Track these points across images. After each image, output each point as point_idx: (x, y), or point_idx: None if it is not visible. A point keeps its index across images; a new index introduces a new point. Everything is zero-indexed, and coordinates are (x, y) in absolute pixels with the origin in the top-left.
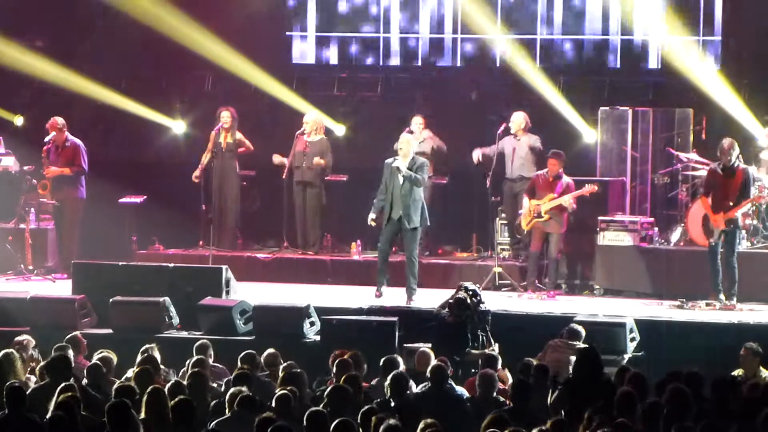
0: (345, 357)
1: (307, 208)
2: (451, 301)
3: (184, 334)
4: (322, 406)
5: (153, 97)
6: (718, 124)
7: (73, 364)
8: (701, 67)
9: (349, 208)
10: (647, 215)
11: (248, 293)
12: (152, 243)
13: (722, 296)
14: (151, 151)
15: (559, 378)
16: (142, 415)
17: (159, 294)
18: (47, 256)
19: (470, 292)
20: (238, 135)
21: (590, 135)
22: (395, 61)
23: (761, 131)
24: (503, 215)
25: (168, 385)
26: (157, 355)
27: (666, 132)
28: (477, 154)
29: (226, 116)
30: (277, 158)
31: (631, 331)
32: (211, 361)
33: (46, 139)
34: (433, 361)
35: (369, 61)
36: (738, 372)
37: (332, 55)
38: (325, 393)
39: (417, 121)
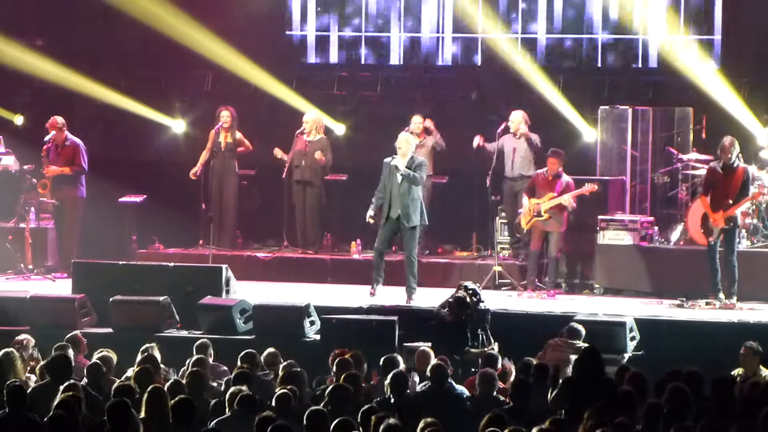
0: (345, 356)
1: (306, 208)
2: (450, 300)
3: (184, 333)
4: (322, 405)
5: (153, 96)
6: (718, 123)
7: (73, 364)
8: (701, 66)
9: (349, 208)
10: (647, 214)
11: (248, 292)
12: (152, 242)
13: (722, 295)
14: (151, 150)
15: (560, 376)
16: (142, 415)
17: (159, 293)
18: (47, 256)
19: (470, 291)
20: (238, 135)
21: (590, 134)
22: (395, 60)
23: (761, 131)
24: (503, 214)
25: (168, 384)
26: (157, 354)
27: (666, 131)
28: (477, 140)
29: (225, 116)
30: (278, 152)
31: (631, 330)
32: (211, 360)
33: (46, 138)
34: (433, 360)
35: (369, 60)
36: (738, 371)
37: (332, 54)
38: (326, 392)
39: (416, 121)
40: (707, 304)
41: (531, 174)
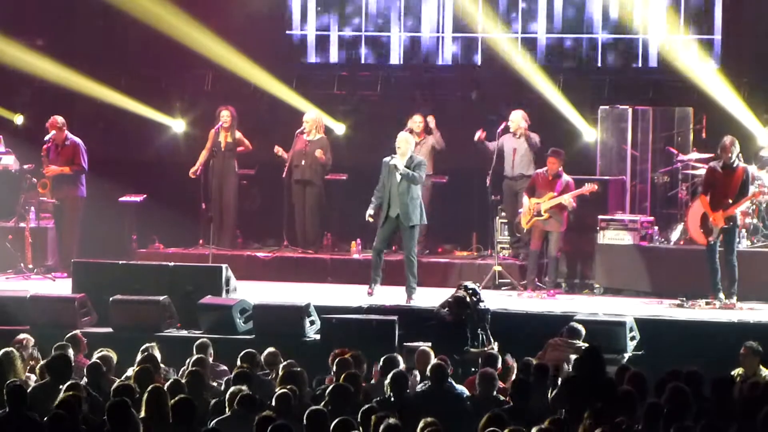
0: (345, 356)
1: (306, 207)
2: (450, 300)
3: (184, 333)
4: (323, 404)
5: (153, 96)
6: (718, 123)
7: (73, 363)
8: (701, 66)
9: (349, 207)
10: (647, 214)
11: (248, 292)
12: (152, 242)
13: (722, 295)
14: (151, 149)
15: (560, 375)
16: (142, 414)
17: (159, 293)
18: (47, 255)
19: (470, 291)
20: (238, 134)
21: (590, 134)
22: (395, 60)
23: (762, 130)
24: (503, 214)
25: (168, 384)
26: (157, 354)
27: (666, 131)
28: (479, 134)
29: (225, 115)
30: (278, 150)
31: (631, 330)
32: (211, 360)
33: (46, 137)
34: (433, 360)
35: (369, 60)
36: (738, 371)
37: (332, 53)
38: (327, 391)
39: (417, 120)
40: (707, 303)
41: (531, 173)
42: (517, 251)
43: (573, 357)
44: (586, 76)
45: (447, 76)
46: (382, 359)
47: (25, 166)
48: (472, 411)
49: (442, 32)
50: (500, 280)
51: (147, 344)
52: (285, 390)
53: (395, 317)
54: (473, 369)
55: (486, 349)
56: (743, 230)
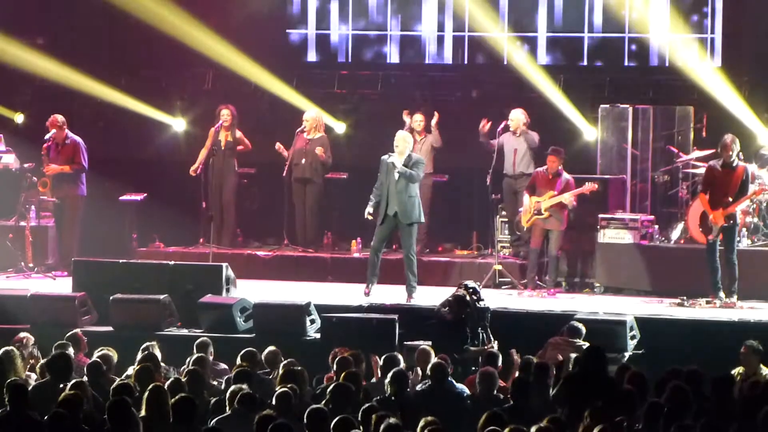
0: (345, 355)
1: (307, 206)
2: (450, 298)
3: (184, 331)
4: (323, 403)
5: (153, 94)
6: (719, 122)
7: (73, 362)
8: (702, 65)
9: (350, 206)
10: (648, 213)
11: (248, 291)
12: (152, 240)
13: (722, 294)
14: (151, 148)
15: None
16: (143, 413)
17: (159, 292)
18: (48, 254)
19: (470, 290)
20: (238, 133)
21: (590, 133)
22: (396, 59)
23: (764, 130)
24: (503, 213)
25: (168, 382)
26: (158, 352)
27: (666, 130)
28: (483, 123)
29: (226, 114)
30: (279, 147)
31: (632, 328)
32: (211, 358)
33: (47, 136)
34: (434, 359)
35: (369, 58)
36: (738, 370)
37: (332, 52)
38: (328, 390)
39: (417, 119)
40: (708, 302)
41: (531, 172)
42: (517, 250)
43: (573, 356)
44: (586, 75)
45: (447, 76)
46: (382, 358)
47: (26, 165)
48: (472, 410)
49: (443, 31)
50: (500, 279)
51: (147, 343)
52: (285, 389)
53: (395, 316)
54: (473, 368)
55: (486, 347)
56: (744, 229)
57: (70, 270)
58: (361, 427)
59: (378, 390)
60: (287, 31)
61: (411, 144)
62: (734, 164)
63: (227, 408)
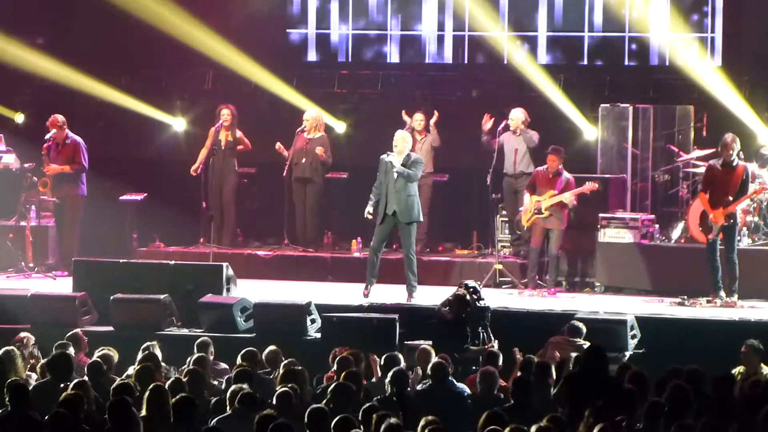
0: (345, 354)
1: (307, 206)
2: (451, 298)
3: (184, 331)
4: (324, 403)
5: (153, 94)
6: (719, 121)
7: (73, 362)
8: (702, 64)
9: (350, 206)
10: (648, 212)
11: (249, 291)
12: (153, 240)
13: (723, 293)
14: (151, 148)
15: (562, 373)
16: (143, 413)
17: (160, 291)
18: (48, 254)
19: (470, 289)
20: (238, 133)
21: (591, 132)
22: (396, 58)
23: (765, 130)
24: (504, 212)
25: (168, 382)
26: (158, 352)
27: (667, 129)
28: (487, 119)
29: (226, 114)
30: (279, 147)
31: (632, 328)
32: (211, 358)
33: (47, 136)
34: (434, 359)
35: (369, 58)
36: (739, 369)
37: (332, 52)
38: (329, 390)
39: (418, 118)
40: (708, 302)
41: (532, 171)
42: (517, 249)
43: (574, 355)
44: (586, 75)
45: (448, 75)
46: (383, 358)
47: (26, 165)
48: (472, 409)
49: (443, 31)
50: (501, 279)
51: (148, 343)
52: (286, 388)
53: (396, 316)
54: (474, 367)
55: (486, 347)
56: (744, 228)
57: (70, 270)
58: (361, 427)
59: (379, 390)
60: (287, 30)
61: (410, 143)
62: (734, 163)
63: (228, 408)
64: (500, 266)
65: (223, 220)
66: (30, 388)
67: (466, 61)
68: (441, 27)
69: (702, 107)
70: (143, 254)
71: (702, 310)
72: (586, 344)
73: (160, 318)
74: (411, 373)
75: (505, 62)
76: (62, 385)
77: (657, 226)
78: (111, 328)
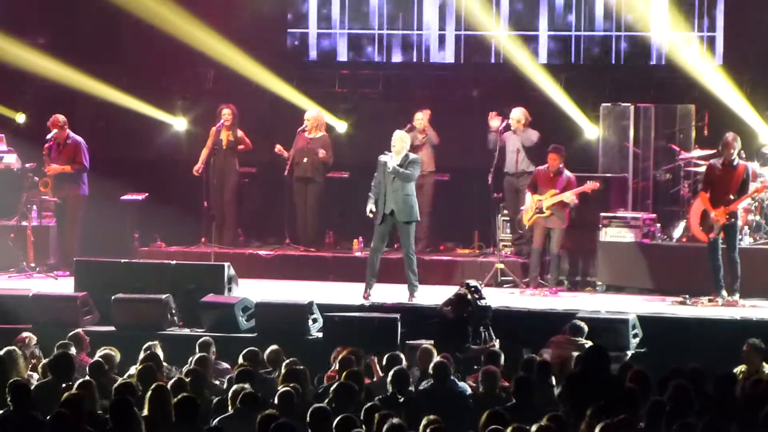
0: (346, 353)
1: (308, 205)
2: (452, 297)
3: (186, 331)
4: (326, 402)
5: (154, 94)
6: (720, 120)
7: (75, 362)
8: (703, 63)
9: (351, 205)
10: (649, 211)
11: (250, 290)
12: (154, 240)
13: (724, 292)
14: (152, 148)
15: (564, 372)
16: (145, 413)
17: (161, 291)
18: (49, 254)
19: (471, 289)
20: (239, 132)
21: (592, 131)
22: (397, 57)
23: (766, 129)
24: (505, 211)
25: (170, 382)
26: (160, 352)
27: (668, 128)
28: (493, 115)
29: (227, 113)
30: (279, 148)
31: (634, 327)
32: (213, 358)
33: (48, 136)
34: (436, 358)
35: (371, 58)
36: (740, 368)
37: (333, 52)
38: (331, 389)
39: (419, 117)
40: (710, 301)
41: (533, 170)
42: (519, 249)
43: (576, 354)
44: (588, 74)
45: (449, 75)
46: (384, 357)
47: (27, 165)
48: (474, 409)
49: (444, 30)
50: (502, 278)
51: (149, 343)
52: (287, 388)
53: (397, 315)
54: (475, 366)
55: (488, 346)
56: (746, 227)
57: (71, 270)
58: (363, 427)
59: (381, 389)
60: (288, 30)
61: (408, 143)
62: (735, 162)
63: (229, 407)
64: (502, 265)
65: (224, 220)
66: (31, 388)
67: (467, 61)
68: (442, 27)
69: (703, 106)
70: (144, 254)
71: (703, 309)
72: (588, 343)
73: (161, 318)
74: (411, 372)
75: (506, 61)
76: (64, 385)
77: (658, 225)
78: (112, 328)
